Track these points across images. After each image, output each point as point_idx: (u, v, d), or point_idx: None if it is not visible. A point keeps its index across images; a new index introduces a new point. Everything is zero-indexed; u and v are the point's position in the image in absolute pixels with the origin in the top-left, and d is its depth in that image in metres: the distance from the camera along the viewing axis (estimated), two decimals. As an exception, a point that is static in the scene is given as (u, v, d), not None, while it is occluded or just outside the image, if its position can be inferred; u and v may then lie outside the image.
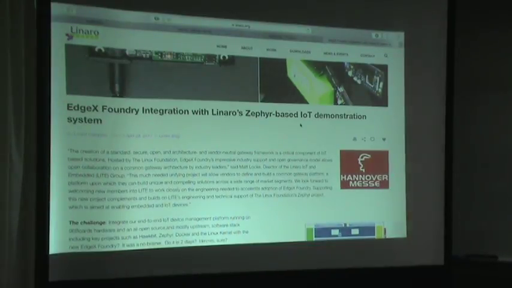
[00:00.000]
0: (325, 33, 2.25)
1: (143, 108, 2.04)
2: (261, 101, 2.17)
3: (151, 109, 2.05)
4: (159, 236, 2.05)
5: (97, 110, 1.99)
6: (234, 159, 2.13)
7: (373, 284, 2.29)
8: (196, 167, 2.09)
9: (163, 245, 2.05)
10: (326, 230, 2.24)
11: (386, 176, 2.30)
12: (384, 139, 2.30)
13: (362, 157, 2.28)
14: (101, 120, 2.00)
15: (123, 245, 2.01)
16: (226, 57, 2.14)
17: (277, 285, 2.20)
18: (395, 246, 2.30)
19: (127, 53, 2.03)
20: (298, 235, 2.21)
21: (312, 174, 2.22)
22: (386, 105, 2.31)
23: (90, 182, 1.98)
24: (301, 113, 2.21)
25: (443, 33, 2.34)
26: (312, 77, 2.24)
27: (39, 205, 1.91)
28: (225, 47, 2.13)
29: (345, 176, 2.26)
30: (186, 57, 2.10)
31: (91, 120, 1.99)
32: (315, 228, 2.22)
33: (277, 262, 2.18)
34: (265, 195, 2.16)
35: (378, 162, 2.29)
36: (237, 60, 2.15)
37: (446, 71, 2.34)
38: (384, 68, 2.31)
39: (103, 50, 2.01)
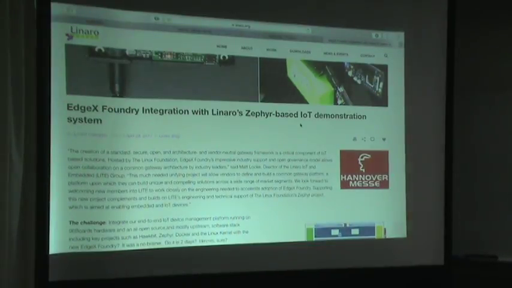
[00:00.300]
0: (325, 33, 2.25)
1: (143, 108, 2.04)
2: (261, 101, 2.17)
3: (151, 109, 2.05)
4: (159, 236, 2.05)
5: (97, 110, 1.99)
6: (234, 159, 2.13)
7: (373, 284, 2.28)
8: (196, 167, 2.09)
9: (163, 245, 2.05)
10: (326, 230, 2.23)
11: (386, 176, 2.30)
12: (383, 139, 2.30)
13: (362, 157, 2.28)
14: (101, 120, 2.00)
15: (123, 245, 2.01)
16: (226, 57, 2.14)
17: (277, 285, 2.20)
18: (395, 246, 2.30)
19: (127, 53, 2.03)
20: (298, 235, 2.21)
21: (312, 174, 2.22)
22: (386, 105, 2.31)
23: (90, 182, 1.98)
24: (301, 113, 2.21)
25: (443, 33, 2.34)
26: (312, 77, 2.24)
27: (39, 205, 1.91)
28: (225, 47, 2.13)
29: (345, 176, 2.26)
30: (186, 57, 2.10)
31: (91, 120, 1.99)
32: (315, 228, 2.22)
33: (277, 262, 2.17)
34: (265, 195, 2.16)
35: (378, 162, 2.29)
36: (237, 60, 2.15)
37: (446, 71, 2.34)
38: (383, 68, 2.31)
39: (103, 50, 2.00)
